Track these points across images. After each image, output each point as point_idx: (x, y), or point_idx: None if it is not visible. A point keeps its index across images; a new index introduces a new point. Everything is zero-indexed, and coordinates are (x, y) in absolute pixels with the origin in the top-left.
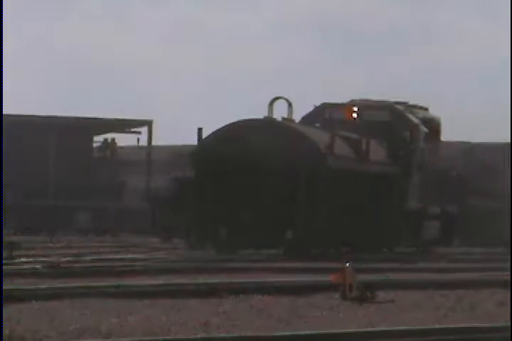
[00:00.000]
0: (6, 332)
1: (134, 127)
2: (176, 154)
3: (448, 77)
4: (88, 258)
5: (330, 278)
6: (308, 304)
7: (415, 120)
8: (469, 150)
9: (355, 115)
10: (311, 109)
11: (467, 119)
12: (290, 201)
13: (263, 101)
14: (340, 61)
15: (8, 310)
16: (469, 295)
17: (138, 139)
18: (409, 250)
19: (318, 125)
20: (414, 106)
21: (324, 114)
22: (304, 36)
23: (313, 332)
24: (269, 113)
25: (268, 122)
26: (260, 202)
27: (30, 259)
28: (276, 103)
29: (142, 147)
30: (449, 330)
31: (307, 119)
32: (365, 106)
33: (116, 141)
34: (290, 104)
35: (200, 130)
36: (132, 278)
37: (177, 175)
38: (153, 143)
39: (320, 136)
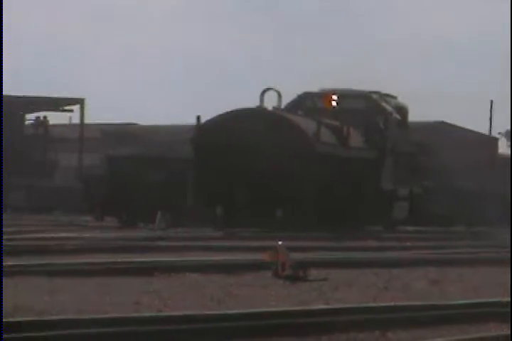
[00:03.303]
0: None
1: (66, 105)
2: (108, 132)
3: (377, 53)
4: (22, 236)
5: (263, 256)
6: (240, 283)
7: (389, 108)
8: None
9: (334, 103)
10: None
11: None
12: (280, 183)
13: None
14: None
15: None
16: (402, 274)
17: (70, 117)
18: (379, 228)
19: (300, 113)
20: (387, 95)
21: (306, 103)
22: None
23: (246, 310)
24: (260, 103)
25: (261, 111)
26: (253, 184)
27: None
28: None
29: (74, 125)
30: (382, 309)
31: (290, 107)
32: (343, 95)
33: (48, 119)
34: (280, 95)
35: (198, 117)
36: (65, 256)
37: (110, 153)
38: (85, 121)
39: (307, 124)
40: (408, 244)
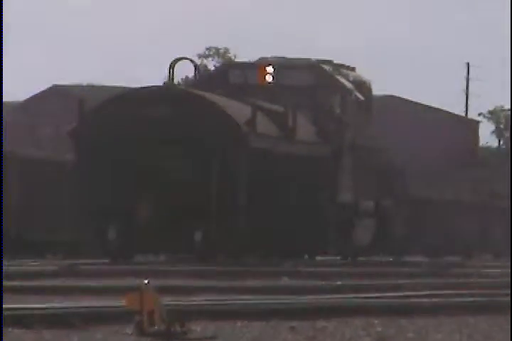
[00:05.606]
0: None
1: None
2: None
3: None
4: None
5: (123, 302)
6: None
7: (348, 84)
8: None
9: (269, 78)
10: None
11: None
12: (200, 192)
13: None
14: None
15: None
16: (332, 328)
17: None
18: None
19: (219, 91)
20: (342, 66)
21: (228, 77)
22: None
23: None
24: (169, 78)
25: (169, 90)
26: (162, 195)
27: None
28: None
29: None
30: None
31: (205, 84)
32: (282, 66)
33: None
34: (196, 66)
35: (81, 102)
36: None
37: None
38: None
39: (236, 108)
40: (339, 282)
